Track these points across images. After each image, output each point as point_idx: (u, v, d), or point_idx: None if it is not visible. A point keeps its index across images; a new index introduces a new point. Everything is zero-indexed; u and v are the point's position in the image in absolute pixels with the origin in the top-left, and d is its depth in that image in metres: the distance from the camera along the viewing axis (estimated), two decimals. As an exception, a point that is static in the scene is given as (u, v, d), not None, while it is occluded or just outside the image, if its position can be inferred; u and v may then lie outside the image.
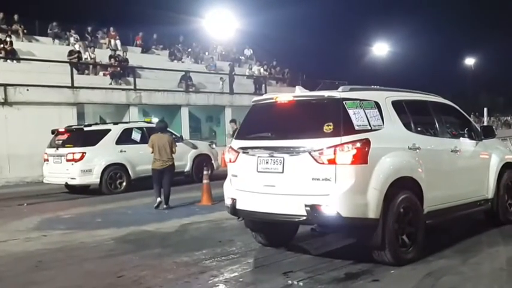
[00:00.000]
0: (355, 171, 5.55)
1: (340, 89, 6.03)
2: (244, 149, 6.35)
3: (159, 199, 10.73)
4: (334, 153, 5.54)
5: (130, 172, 14.17)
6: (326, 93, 6.05)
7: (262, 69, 30.53)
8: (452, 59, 54.27)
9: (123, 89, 21.46)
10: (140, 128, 14.81)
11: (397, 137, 6.18)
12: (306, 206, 5.62)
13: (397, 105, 6.38)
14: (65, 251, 7.32)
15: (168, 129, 12.57)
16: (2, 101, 17.19)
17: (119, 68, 23.06)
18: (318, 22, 53.46)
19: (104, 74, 22.79)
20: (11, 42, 20.79)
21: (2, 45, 20.34)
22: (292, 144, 5.87)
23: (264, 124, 6.53)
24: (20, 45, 21.82)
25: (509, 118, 45.63)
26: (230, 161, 6.61)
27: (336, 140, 5.57)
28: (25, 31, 23.15)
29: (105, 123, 18.39)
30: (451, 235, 7.29)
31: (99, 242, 7.81)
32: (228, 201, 6.52)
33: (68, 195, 13.92)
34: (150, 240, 7.88)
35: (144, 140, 13.76)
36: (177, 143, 13.60)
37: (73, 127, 15.01)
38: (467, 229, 7.60)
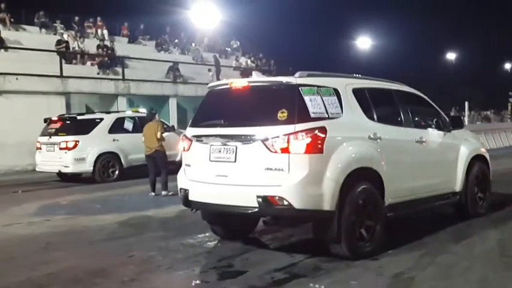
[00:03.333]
0: (309, 161, 5.32)
1: (297, 74, 5.78)
2: (198, 137, 6.09)
3: (152, 194, 10.88)
4: (288, 142, 5.31)
5: (122, 161, 14.29)
6: (282, 79, 5.81)
7: (249, 61, 30.70)
8: (434, 53, 54.76)
9: (111, 79, 21.41)
10: (132, 118, 14.92)
11: (356, 125, 5.96)
12: (257, 197, 5.37)
13: (358, 93, 6.11)
14: (71, 234, 7.51)
15: (161, 120, 12.64)
16: (-9, 89, 17.10)
17: (106, 58, 23.02)
18: (305, 14, 53.68)
19: (92, 64, 22.67)
20: (-1, 31, 20.65)
21: (-11, 34, 20.19)
22: (245, 132, 5.62)
23: (219, 111, 6.26)
24: (7, 34, 21.62)
25: (488, 112, 46.28)
26: (184, 150, 6.33)
27: (290, 128, 5.33)
28: (12, 20, 22.99)
29: (92, 113, 18.40)
30: (447, 218, 7.59)
31: (102, 226, 7.98)
32: (180, 192, 6.27)
33: (60, 183, 13.99)
34: (153, 224, 8.08)
35: (136, 129, 14.04)
36: (168, 133, 13.83)
37: (66, 116, 15.07)
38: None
